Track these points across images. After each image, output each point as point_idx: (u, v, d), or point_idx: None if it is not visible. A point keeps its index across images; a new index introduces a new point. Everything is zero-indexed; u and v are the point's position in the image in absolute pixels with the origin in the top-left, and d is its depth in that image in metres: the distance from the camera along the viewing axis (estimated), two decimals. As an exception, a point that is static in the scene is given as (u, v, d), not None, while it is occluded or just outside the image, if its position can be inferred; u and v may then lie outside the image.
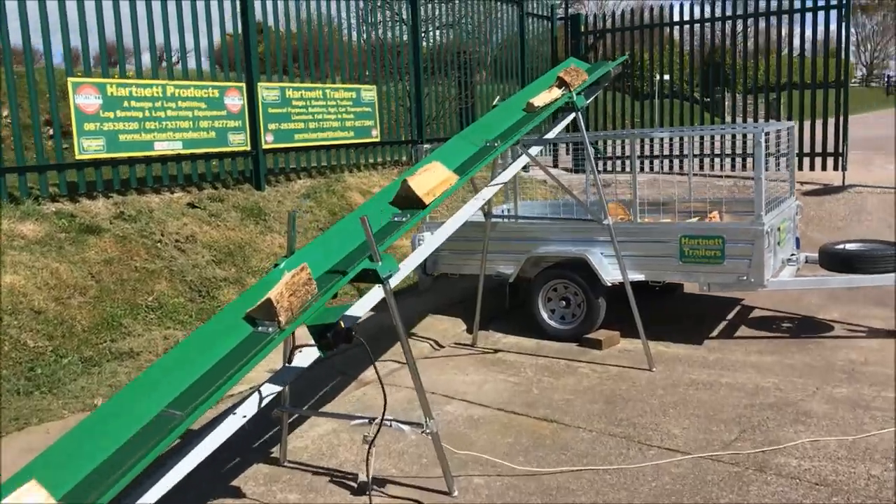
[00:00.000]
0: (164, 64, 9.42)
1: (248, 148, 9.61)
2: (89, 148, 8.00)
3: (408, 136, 12.51)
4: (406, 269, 4.71)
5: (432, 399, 5.64)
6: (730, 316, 7.85)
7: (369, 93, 11.42)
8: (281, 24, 10.41)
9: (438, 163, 4.70)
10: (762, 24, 13.94)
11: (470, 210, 5.33)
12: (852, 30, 13.51)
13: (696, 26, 14.54)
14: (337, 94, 10.88)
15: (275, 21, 10.25)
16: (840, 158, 12.89)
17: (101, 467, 2.72)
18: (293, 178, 10.41)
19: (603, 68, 6.65)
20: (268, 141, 9.89)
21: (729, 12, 14.06)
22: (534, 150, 6.50)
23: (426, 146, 8.29)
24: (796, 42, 13.64)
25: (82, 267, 7.18)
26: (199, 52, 9.26)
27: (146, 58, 8.78)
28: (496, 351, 7.09)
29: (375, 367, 4.32)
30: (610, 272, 7.09)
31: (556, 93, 5.98)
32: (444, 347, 7.28)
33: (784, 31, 13.52)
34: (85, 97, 7.96)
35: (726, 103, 16.41)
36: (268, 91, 9.88)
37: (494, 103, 6.39)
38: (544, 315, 7.36)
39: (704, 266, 6.78)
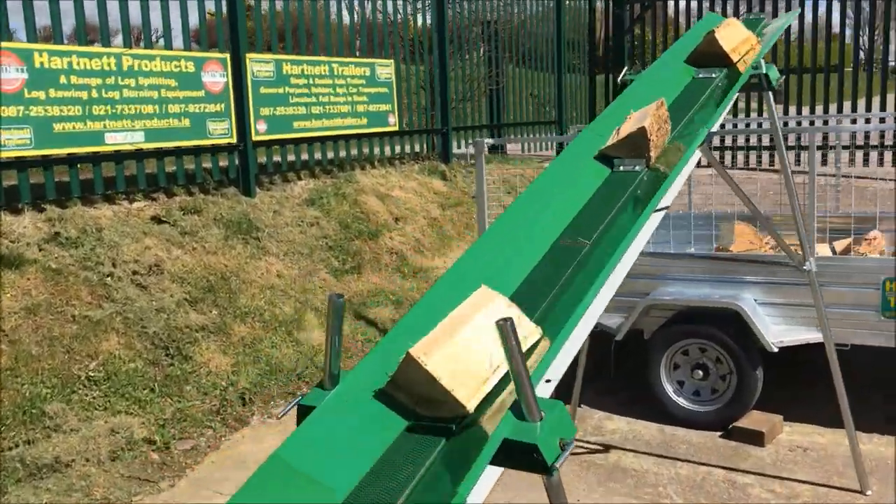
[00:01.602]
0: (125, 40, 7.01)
1: (234, 140, 7.25)
2: (9, 142, 5.61)
3: (429, 124, 10.16)
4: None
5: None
6: (910, 380, 5.62)
7: (386, 69, 9.05)
8: (276, -22, 8.03)
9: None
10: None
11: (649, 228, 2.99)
12: (849, 12, 11.64)
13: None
14: (347, 69, 8.51)
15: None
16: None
17: None
18: (292, 178, 8.05)
19: (785, 21, 4.34)
20: (259, 130, 7.53)
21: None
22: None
23: (488, 141, 5.95)
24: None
25: (-11, 321, 4.84)
26: (169, 21, 6.87)
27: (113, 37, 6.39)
28: (607, 448, 4.81)
29: None
30: (772, 330, 4.84)
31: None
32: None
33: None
34: (4, 70, 5.57)
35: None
36: (259, 65, 7.50)
37: (624, 76, 4.09)
38: (668, 389, 5.09)
39: (921, 325, 4.55)
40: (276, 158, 7.94)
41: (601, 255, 1.95)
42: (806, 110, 11.70)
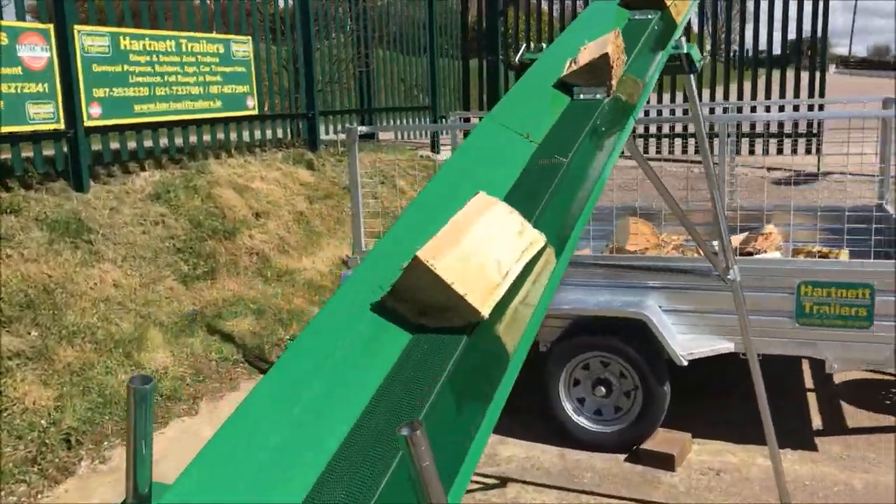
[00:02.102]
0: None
1: (62, 126, 6.18)
2: None
3: (294, 107, 9.29)
4: None
5: None
6: (809, 384, 5.34)
7: (243, 47, 8.12)
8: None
9: None
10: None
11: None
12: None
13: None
14: (198, 46, 7.54)
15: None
16: (815, 140, 10.79)
17: None
18: (134, 169, 7.03)
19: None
20: (93, 114, 6.48)
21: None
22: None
23: (361, 129, 5.19)
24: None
25: None
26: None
27: None
28: (504, 482, 4.22)
29: None
30: (680, 340, 4.37)
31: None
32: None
33: None
34: None
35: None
36: (91, 39, 6.44)
37: (522, 56, 3.48)
38: (568, 408, 4.55)
39: (838, 331, 4.19)
40: (115, 146, 6.91)
41: (585, 168, 1.82)
42: (666, 98, 11.59)
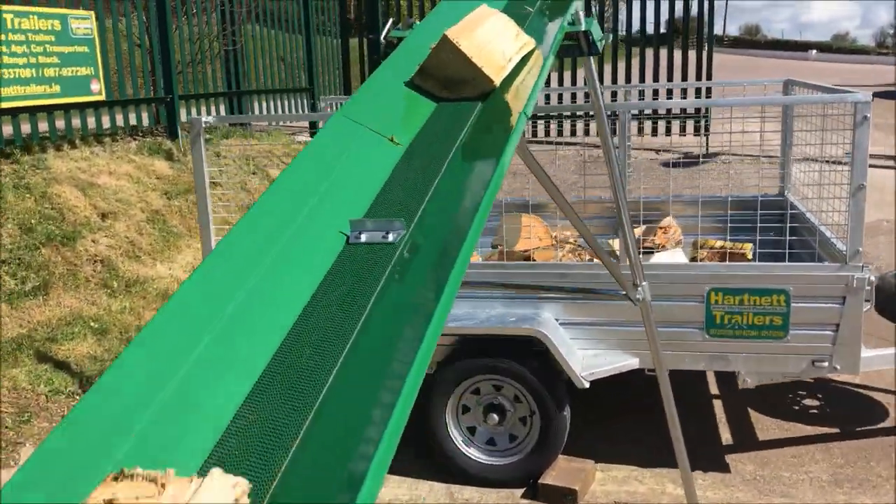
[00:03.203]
0: None
1: None
2: None
3: (149, 91, 8.33)
4: None
5: None
6: (714, 390, 4.97)
7: (84, 23, 7.13)
8: None
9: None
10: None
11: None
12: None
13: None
14: (27, 22, 6.53)
15: None
16: (704, 121, 10.60)
17: None
18: (-49, 165, 6.02)
19: None
20: None
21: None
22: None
23: (207, 119, 4.39)
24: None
25: None
26: None
27: None
28: (384, 534, 3.62)
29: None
30: (581, 358, 3.87)
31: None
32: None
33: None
34: None
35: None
36: None
37: (388, 35, 2.86)
38: (456, 439, 3.98)
39: (751, 343, 3.77)
40: (-78, 140, 5.88)
41: (462, 183, 1.48)
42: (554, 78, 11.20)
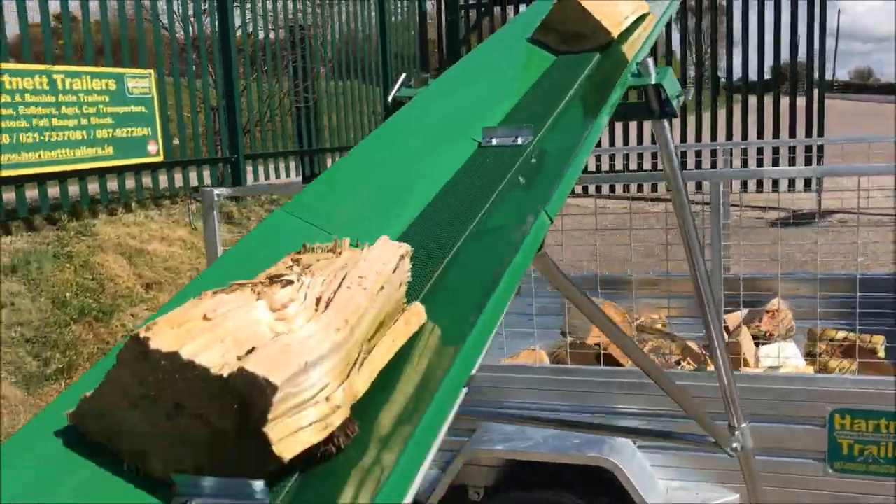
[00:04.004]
0: None
1: None
2: None
3: (214, 150, 7.99)
4: None
5: None
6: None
7: (142, 82, 6.83)
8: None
9: None
10: None
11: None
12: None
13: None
14: (79, 82, 6.25)
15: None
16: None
17: None
18: (-7, 234, 5.72)
19: (669, 5, 2.57)
20: (-75, 170, 5.17)
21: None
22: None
23: (220, 191, 3.81)
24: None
25: None
26: None
27: None
28: None
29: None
30: (663, 495, 3.05)
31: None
32: None
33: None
34: None
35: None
36: (-78, 74, 5.15)
37: (398, 92, 2.23)
38: (507, 587, 3.20)
39: (889, 482, 2.88)
40: (-40, 208, 5.59)
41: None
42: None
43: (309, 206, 1.24)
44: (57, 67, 6.11)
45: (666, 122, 1.97)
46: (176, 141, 7.40)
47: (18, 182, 5.82)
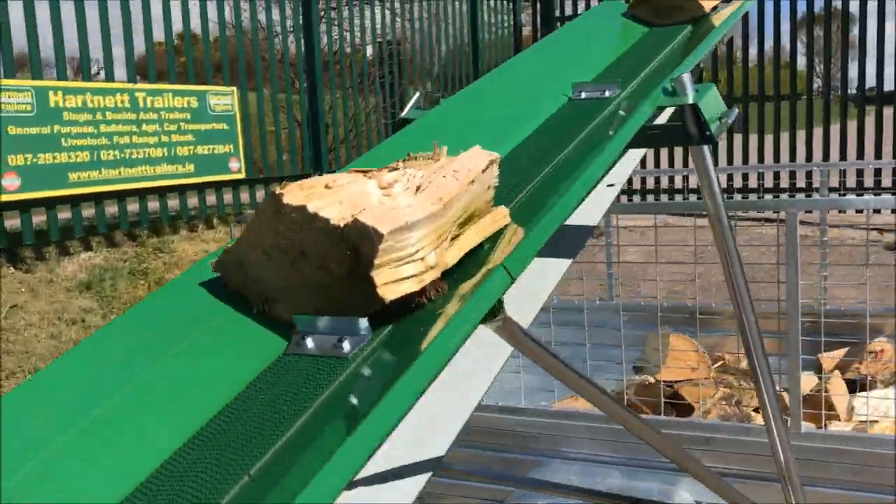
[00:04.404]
0: None
1: (-41, 202, 5.02)
2: None
3: (297, 168, 7.96)
4: None
5: None
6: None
7: (224, 99, 6.86)
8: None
9: None
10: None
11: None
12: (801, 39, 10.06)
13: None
14: (160, 100, 6.31)
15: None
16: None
17: None
18: (74, 251, 5.80)
19: (739, 6, 2.25)
20: (7, 187, 5.28)
21: None
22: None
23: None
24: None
25: None
26: None
27: None
28: None
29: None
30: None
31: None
32: None
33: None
34: None
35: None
36: (6, 94, 5.28)
37: (408, 113, 1.96)
38: None
39: None
40: (41, 223, 5.69)
41: None
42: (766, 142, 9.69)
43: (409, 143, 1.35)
44: (139, 86, 6.18)
45: (706, 149, 1.66)
46: (259, 157, 7.41)
47: (98, 199, 5.90)
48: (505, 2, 11.11)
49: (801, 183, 9.06)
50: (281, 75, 7.83)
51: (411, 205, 0.86)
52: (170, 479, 0.68)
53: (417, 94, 2.13)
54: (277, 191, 0.87)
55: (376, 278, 0.81)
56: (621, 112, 1.41)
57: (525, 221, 1.04)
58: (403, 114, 2.03)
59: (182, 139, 6.50)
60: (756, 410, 3.24)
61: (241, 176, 7.05)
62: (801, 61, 10.18)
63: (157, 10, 6.44)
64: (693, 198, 8.08)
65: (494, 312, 0.95)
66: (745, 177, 9.64)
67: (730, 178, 9.52)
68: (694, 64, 1.89)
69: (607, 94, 1.48)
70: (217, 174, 6.84)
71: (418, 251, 0.85)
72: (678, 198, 9.60)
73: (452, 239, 0.94)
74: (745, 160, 9.91)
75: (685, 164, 9.40)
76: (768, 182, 9.39)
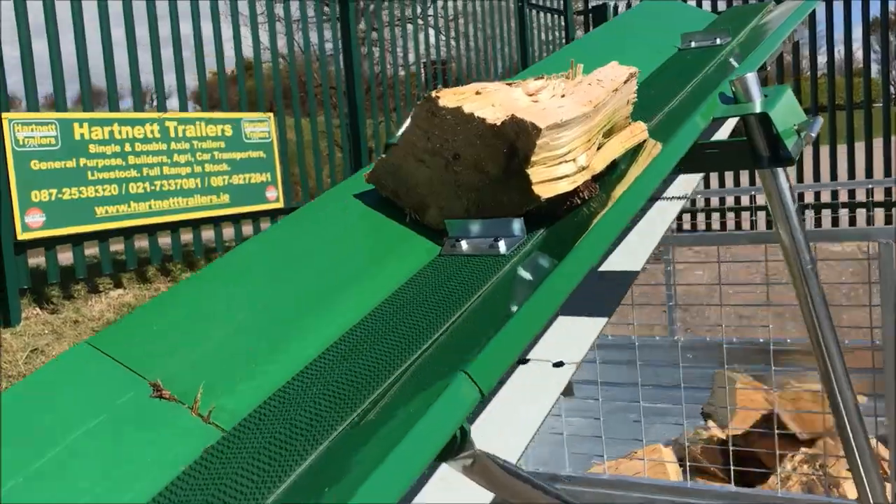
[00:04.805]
0: None
1: (-20, 241, 4.82)
2: None
3: (340, 195, 7.64)
4: None
5: None
6: None
7: (260, 126, 6.60)
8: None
9: None
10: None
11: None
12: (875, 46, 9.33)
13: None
14: (192, 129, 6.08)
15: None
16: None
17: None
18: (103, 288, 5.57)
19: (803, 5, 1.83)
20: (30, 224, 5.07)
21: None
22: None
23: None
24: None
25: None
26: None
27: None
28: None
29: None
30: None
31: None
32: None
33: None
34: None
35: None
36: (30, 129, 5.08)
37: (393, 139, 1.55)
38: None
39: None
40: (66, 260, 5.47)
41: None
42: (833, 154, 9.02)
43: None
44: (168, 115, 5.96)
45: (782, 171, 1.23)
46: (298, 186, 7.13)
47: (128, 233, 5.67)
48: (557, 16, 10.71)
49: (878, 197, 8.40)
50: (321, 100, 7.55)
51: (563, 105, 0.89)
52: (361, 344, 0.75)
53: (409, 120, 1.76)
54: (433, 94, 0.90)
55: (532, 176, 0.84)
56: (731, 58, 1.44)
57: (662, 139, 1.07)
58: (394, 138, 1.67)
59: (216, 169, 6.24)
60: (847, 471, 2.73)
61: (280, 205, 6.77)
62: (875, 68, 9.52)
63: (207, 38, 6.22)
64: (762, 216, 7.51)
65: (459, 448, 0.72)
66: (818, 195, 9.00)
67: (800, 196, 8.89)
68: (761, 62, 1.49)
69: (718, 41, 1.55)
70: (254, 204, 6.57)
71: (570, 151, 0.88)
72: (745, 216, 9.00)
73: (600, 146, 0.96)
74: (817, 176, 9.24)
75: (752, 182, 8.83)
76: (842, 197, 8.74)
